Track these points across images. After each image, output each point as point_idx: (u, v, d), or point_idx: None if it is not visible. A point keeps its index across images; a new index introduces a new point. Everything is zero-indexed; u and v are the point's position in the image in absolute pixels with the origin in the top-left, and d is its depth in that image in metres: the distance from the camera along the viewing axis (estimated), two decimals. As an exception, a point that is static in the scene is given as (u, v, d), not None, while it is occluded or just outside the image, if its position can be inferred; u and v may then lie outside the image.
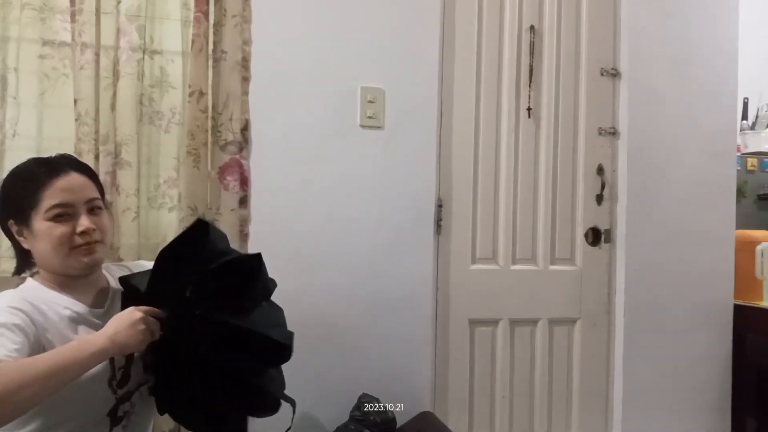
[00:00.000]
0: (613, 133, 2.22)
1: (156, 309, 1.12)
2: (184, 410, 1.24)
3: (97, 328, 1.15)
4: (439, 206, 2.06)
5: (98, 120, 1.73)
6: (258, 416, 1.30)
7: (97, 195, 1.22)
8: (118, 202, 1.76)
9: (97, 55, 1.73)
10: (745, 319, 2.29)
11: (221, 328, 1.14)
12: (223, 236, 1.29)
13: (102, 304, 1.23)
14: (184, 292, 1.14)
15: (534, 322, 2.17)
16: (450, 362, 2.08)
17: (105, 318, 1.18)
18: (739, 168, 2.64)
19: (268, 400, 1.25)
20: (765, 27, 2.95)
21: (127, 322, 1.07)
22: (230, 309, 1.15)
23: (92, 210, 1.20)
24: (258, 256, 1.21)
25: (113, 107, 1.76)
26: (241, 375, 1.18)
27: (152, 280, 1.18)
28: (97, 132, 1.73)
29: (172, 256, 1.18)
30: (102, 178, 1.73)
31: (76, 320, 1.18)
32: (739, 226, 2.35)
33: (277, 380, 1.29)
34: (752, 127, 3.02)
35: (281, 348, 1.18)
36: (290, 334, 1.22)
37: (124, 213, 1.76)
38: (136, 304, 1.13)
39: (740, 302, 2.31)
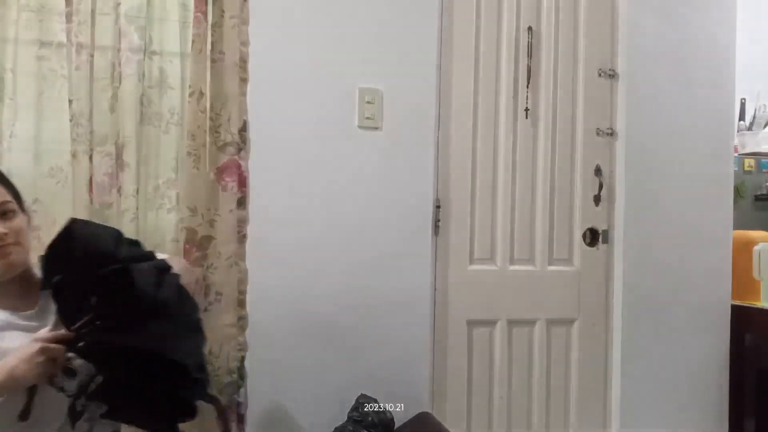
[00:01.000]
0: (611, 133, 2.22)
1: (61, 333, 1.11)
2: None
3: (31, 329, 1.15)
4: (437, 207, 2.06)
5: (92, 121, 1.73)
6: (173, 423, 1.26)
7: (8, 198, 1.22)
8: (118, 203, 1.76)
9: (92, 56, 1.73)
10: (742, 319, 2.30)
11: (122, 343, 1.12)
12: (108, 234, 1.21)
13: (33, 305, 1.22)
14: (88, 299, 1.12)
15: (532, 322, 2.17)
16: (448, 363, 2.08)
17: (38, 317, 1.19)
18: (736, 169, 2.65)
19: (182, 407, 1.21)
20: (761, 28, 2.96)
21: (24, 356, 1.07)
22: (123, 324, 1.12)
23: (4, 214, 1.19)
24: (124, 271, 1.13)
25: (112, 108, 1.76)
26: (150, 385, 1.16)
27: (46, 278, 1.15)
28: (91, 133, 1.73)
29: (55, 256, 1.15)
30: (100, 179, 1.74)
31: (3, 327, 1.17)
32: (736, 226, 2.35)
33: (198, 383, 1.23)
34: (749, 128, 3.03)
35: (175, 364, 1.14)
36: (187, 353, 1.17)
37: (123, 214, 1.76)
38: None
39: (738, 303, 2.32)
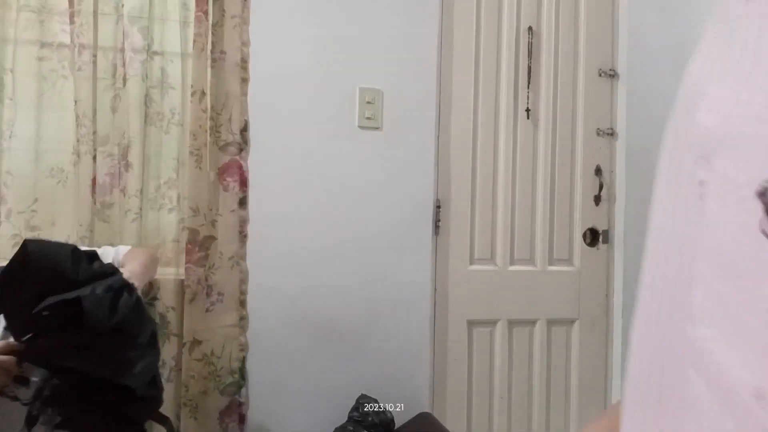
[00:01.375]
0: (611, 134, 2.23)
1: (11, 344, 1.11)
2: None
3: None
4: (438, 207, 2.06)
5: (95, 121, 1.74)
6: None
7: None
8: (122, 203, 1.76)
9: (95, 56, 1.74)
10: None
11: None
12: (64, 252, 1.20)
13: None
14: (40, 313, 1.11)
15: (532, 322, 2.17)
16: (448, 363, 2.08)
17: None
18: (736, 169, 2.65)
19: (131, 425, 1.23)
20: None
21: None
22: (72, 344, 1.12)
23: None
24: (77, 300, 1.11)
25: (114, 109, 1.76)
26: (99, 400, 1.16)
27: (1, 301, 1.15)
28: (94, 133, 1.73)
29: (10, 277, 1.14)
30: (101, 179, 1.75)
31: None
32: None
33: (147, 402, 1.24)
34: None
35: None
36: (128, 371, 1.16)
37: (126, 214, 1.77)
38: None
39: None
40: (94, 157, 1.73)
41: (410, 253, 2.01)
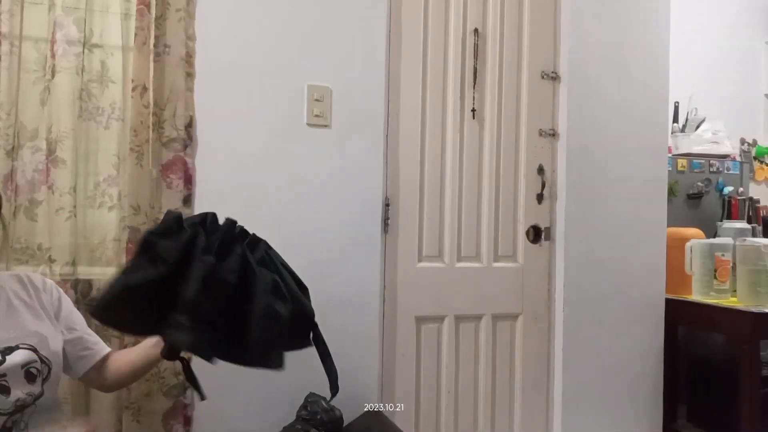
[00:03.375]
0: (553, 134, 2.30)
1: None
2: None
3: None
4: (387, 205, 2.08)
5: (17, 115, 1.66)
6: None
7: None
8: (51, 200, 1.69)
9: (15, 46, 1.66)
10: (676, 312, 2.41)
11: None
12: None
13: None
14: None
15: (478, 317, 2.22)
16: (397, 359, 2.10)
17: None
18: (670, 168, 2.78)
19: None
20: (694, 37, 3.12)
21: None
22: None
23: None
24: None
25: (44, 102, 1.69)
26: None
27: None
28: (11, 126, 1.65)
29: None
30: (30, 175, 1.68)
31: None
32: (670, 223, 2.47)
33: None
34: (682, 130, 3.18)
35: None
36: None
37: (57, 212, 1.70)
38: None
39: (671, 296, 2.43)
40: (8, 152, 1.65)
41: (359, 251, 2.02)
